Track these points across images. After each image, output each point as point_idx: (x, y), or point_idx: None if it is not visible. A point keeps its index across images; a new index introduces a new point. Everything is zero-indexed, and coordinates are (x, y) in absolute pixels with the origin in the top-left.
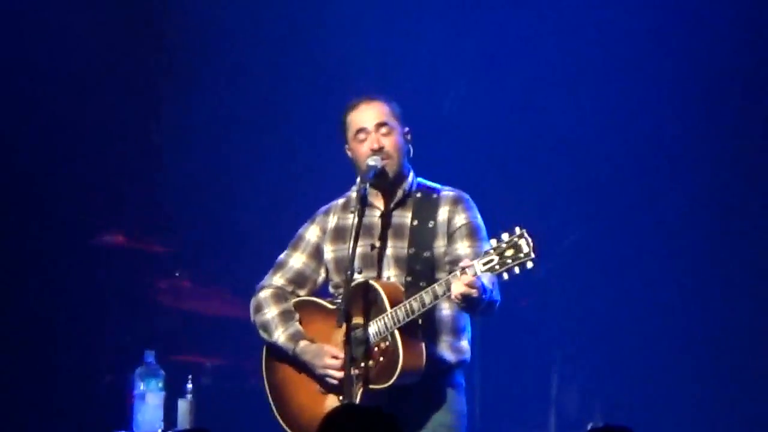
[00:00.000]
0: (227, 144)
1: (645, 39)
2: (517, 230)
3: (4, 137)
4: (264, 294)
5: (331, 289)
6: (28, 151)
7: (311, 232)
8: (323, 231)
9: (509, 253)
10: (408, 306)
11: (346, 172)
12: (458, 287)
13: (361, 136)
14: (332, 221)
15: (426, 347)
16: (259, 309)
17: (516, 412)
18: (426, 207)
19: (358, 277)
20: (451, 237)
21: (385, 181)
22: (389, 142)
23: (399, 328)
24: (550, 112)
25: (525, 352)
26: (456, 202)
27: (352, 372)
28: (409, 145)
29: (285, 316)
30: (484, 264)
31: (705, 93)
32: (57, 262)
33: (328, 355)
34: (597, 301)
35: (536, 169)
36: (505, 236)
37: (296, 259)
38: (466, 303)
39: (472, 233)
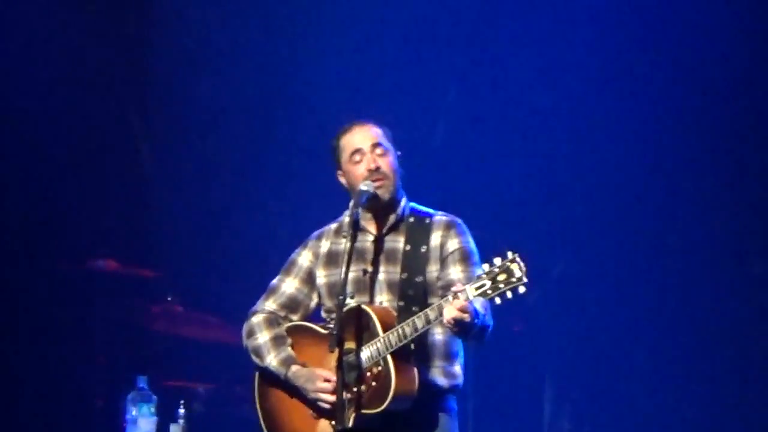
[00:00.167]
0: (219, 169)
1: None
2: (510, 255)
3: None
4: (256, 319)
5: (323, 314)
6: (19, 177)
7: (304, 257)
8: (316, 256)
9: (501, 277)
10: (400, 331)
11: (339, 197)
12: (450, 312)
13: (357, 157)
14: (325, 246)
15: (418, 372)
16: (251, 334)
17: None
18: (419, 232)
19: (351, 302)
20: (443, 262)
21: (377, 206)
22: (385, 163)
23: (391, 353)
24: (542, 135)
25: (518, 377)
26: (449, 226)
27: (345, 396)
28: (402, 169)
29: (277, 341)
30: (477, 288)
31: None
32: (49, 288)
33: (321, 378)
34: (590, 327)
35: (529, 194)
36: (497, 261)
37: (289, 284)
38: (459, 328)
39: (465, 258)
